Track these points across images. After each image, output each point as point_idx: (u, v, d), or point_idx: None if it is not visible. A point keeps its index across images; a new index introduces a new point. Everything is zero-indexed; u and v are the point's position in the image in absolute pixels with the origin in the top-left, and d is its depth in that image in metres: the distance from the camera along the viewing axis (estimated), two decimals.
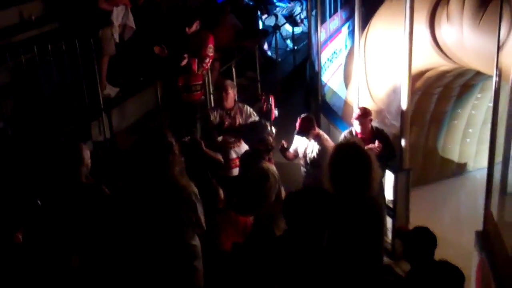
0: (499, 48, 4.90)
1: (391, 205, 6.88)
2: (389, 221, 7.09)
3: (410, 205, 6.86)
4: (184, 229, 3.93)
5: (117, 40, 8.42)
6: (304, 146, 6.75)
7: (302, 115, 6.73)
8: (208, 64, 7.60)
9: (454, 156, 8.85)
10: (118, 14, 8.25)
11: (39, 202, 4.73)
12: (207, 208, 4.69)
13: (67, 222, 4.38)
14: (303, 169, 6.85)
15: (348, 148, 3.83)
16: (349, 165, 3.70)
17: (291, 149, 6.90)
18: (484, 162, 8.10)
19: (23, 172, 5.80)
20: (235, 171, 6.85)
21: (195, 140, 6.33)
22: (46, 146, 6.26)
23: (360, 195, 3.73)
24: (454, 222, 7.53)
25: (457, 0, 6.05)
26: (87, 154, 4.65)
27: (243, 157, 6.13)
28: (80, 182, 4.49)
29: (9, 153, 6.50)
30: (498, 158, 5.13)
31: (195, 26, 7.61)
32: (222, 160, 6.65)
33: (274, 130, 7.17)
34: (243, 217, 5.29)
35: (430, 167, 8.66)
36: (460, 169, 8.97)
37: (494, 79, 4.96)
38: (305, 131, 6.61)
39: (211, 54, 7.53)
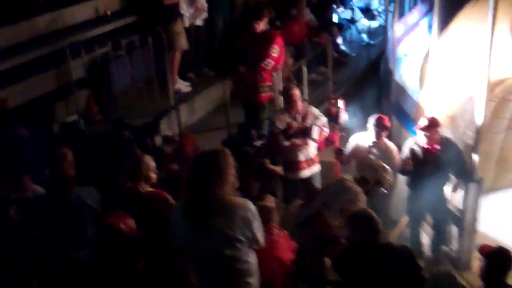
0: None
1: (458, 214, 6.67)
2: (455, 230, 6.93)
3: (479, 213, 6.63)
4: (238, 244, 3.86)
5: (188, 24, 8.52)
6: (364, 149, 6.64)
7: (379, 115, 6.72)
8: (269, 65, 7.37)
9: None
10: (187, 3, 8.34)
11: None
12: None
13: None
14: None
15: None
16: None
17: (347, 152, 6.80)
18: None
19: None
20: (303, 173, 6.83)
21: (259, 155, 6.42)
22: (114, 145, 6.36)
23: None
24: None
25: None
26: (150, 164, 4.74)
27: None
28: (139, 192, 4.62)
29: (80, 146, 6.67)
30: None
31: (262, 25, 7.50)
32: (282, 173, 6.68)
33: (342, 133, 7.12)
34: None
35: (504, 174, 8.33)
36: None
37: None
38: (382, 128, 6.56)
39: (274, 55, 7.35)
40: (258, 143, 6.51)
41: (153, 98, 8.15)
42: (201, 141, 6.95)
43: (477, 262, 4.65)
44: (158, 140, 7.66)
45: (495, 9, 5.65)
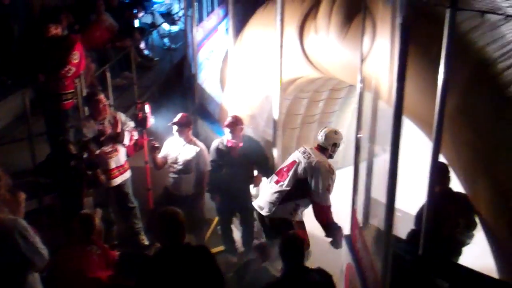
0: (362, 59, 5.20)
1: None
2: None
3: None
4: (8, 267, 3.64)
5: None
6: (177, 151, 6.79)
7: (181, 113, 6.86)
8: (70, 72, 7.19)
9: None
10: None
11: None
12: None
13: None
14: (173, 175, 6.89)
15: None
16: None
17: (161, 155, 6.87)
18: (350, 160, 8.64)
19: None
20: (115, 181, 6.79)
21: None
22: None
23: None
24: None
25: (324, 14, 6.30)
26: None
27: None
28: None
29: None
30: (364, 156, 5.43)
31: (60, 30, 7.33)
32: (104, 180, 6.60)
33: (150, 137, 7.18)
34: (113, 251, 5.25)
35: None
36: None
37: (358, 85, 5.22)
38: (184, 125, 6.69)
39: (75, 62, 7.18)
40: (84, 155, 6.31)
41: None
42: (1, 155, 6.62)
43: None
44: None
45: (282, 14, 6.11)
